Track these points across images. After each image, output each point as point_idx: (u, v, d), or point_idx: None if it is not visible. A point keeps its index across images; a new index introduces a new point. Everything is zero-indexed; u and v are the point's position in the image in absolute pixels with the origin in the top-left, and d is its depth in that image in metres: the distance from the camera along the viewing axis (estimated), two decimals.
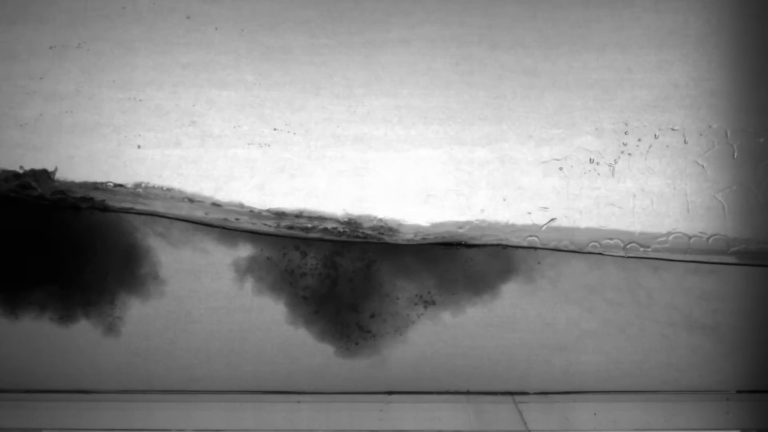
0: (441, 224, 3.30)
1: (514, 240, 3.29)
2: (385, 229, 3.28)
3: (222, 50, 3.24)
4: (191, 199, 3.18)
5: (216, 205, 3.18)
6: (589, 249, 3.30)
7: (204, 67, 3.23)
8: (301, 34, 3.26)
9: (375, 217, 3.28)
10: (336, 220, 3.26)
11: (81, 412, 3.06)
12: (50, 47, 3.22)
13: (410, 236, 3.28)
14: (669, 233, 3.28)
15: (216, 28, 3.24)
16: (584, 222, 3.30)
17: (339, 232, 3.26)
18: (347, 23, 3.26)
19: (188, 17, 3.24)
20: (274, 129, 3.25)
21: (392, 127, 3.29)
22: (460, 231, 3.29)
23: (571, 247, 3.30)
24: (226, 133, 3.22)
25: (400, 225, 3.29)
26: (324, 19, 3.27)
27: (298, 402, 3.18)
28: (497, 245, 3.29)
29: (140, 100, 3.21)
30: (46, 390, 3.20)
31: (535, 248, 3.28)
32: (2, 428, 2.96)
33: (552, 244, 3.31)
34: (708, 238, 3.28)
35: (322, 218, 3.25)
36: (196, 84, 3.23)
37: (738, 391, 3.30)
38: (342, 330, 3.26)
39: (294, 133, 3.25)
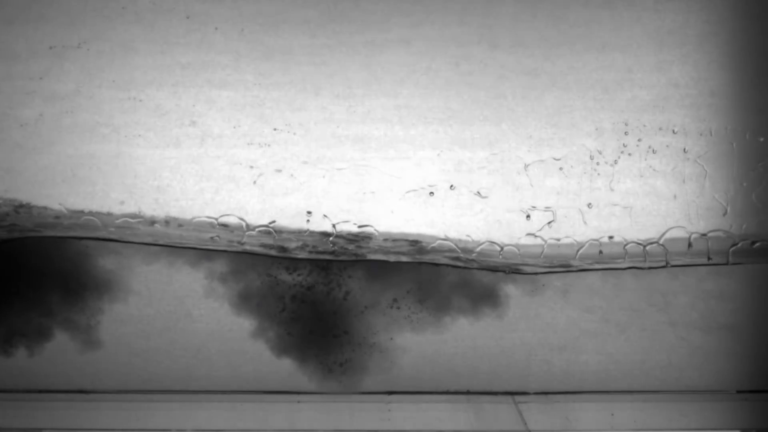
0: (438, 234, 3.30)
1: (519, 251, 3.29)
2: (370, 241, 3.28)
3: (222, 50, 3.24)
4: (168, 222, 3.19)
5: (180, 226, 3.18)
6: (588, 247, 3.30)
7: (204, 67, 3.23)
8: (301, 34, 3.26)
9: (370, 232, 3.28)
10: (325, 235, 3.26)
11: (81, 412, 3.06)
12: (50, 47, 3.22)
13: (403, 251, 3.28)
14: (669, 233, 3.28)
15: (216, 28, 3.24)
16: (584, 221, 3.30)
17: (329, 249, 3.27)
18: (347, 23, 3.26)
19: (188, 17, 3.24)
20: (274, 129, 3.25)
21: (392, 127, 3.29)
22: (464, 241, 3.29)
23: (573, 245, 3.30)
24: (226, 133, 3.23)
25: (399, 238, 3.29)
26: (324, 19, 3.27)
27: (298, 402, 3.18)
28: (503, 270, 3.29)
29: (140, 100, 3.21)
30: (46, 390, 3.20)
31: (536, 273, 3.29)
32: (2, 428, 2.95)
33: (550, 244, 3.31)
34: (708, 238, 3.28)
35: (312, 234, 3.25)
36: (196, 84, 3.23)
37: (738, 391, 3.30)
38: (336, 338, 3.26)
39: (294, 133, 3.25)
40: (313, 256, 3.23)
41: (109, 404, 3.09)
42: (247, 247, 3.11)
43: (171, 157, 3.20)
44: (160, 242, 3.12)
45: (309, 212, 3.26)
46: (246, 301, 3.23)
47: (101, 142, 3.20)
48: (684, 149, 3.30)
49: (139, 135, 3.21)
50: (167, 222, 3.12)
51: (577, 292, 3.28)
